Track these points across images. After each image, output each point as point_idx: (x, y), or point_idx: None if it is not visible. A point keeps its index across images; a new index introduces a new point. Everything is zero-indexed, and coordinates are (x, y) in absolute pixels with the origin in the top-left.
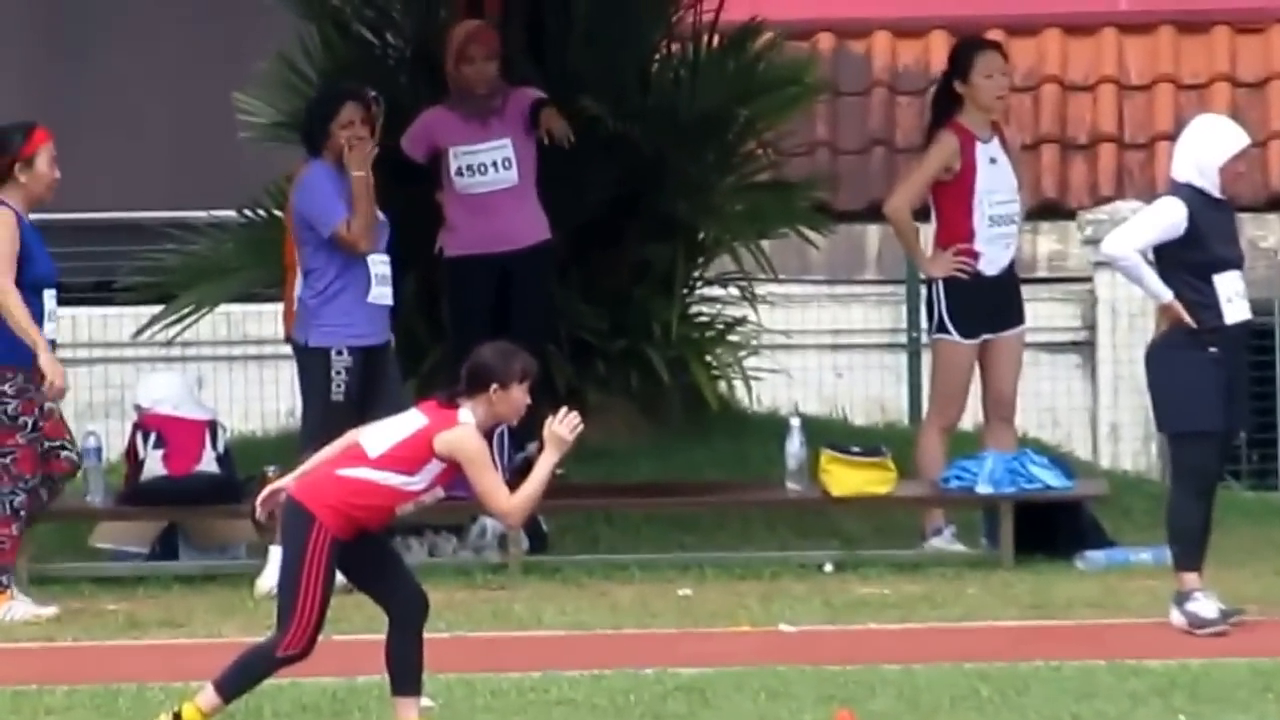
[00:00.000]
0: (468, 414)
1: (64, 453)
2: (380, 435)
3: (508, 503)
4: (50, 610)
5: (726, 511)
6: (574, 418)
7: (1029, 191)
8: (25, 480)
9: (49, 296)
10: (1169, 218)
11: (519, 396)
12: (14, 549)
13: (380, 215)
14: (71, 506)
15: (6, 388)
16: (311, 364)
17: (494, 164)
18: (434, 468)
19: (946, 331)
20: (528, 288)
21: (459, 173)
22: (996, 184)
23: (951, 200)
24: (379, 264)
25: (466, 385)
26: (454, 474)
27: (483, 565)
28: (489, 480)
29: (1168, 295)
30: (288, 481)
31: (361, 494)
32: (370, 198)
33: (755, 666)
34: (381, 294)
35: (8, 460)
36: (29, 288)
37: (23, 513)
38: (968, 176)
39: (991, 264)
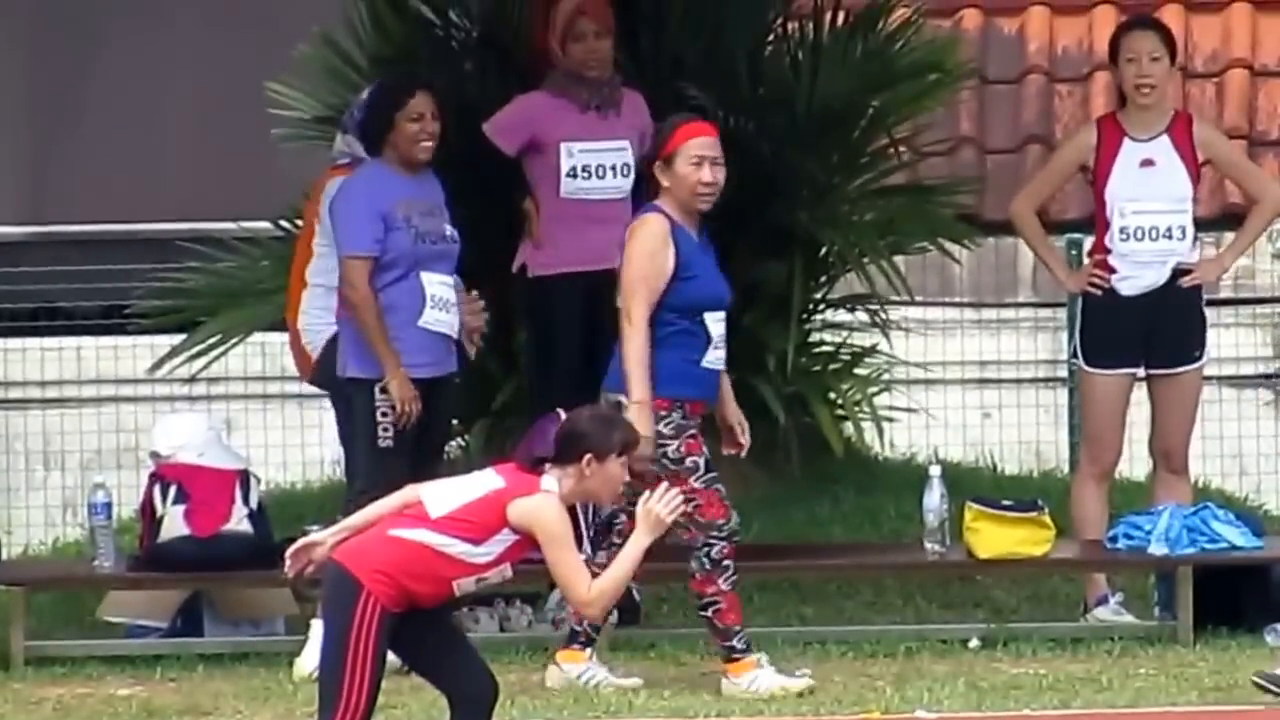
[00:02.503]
0: (552, 482)
1: None
2: (446, 493)
3: (588, 592)
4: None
5: (854, 577)
6: (674, 495)
7: (1205, 199)
8: (719, 527)
9: (713, 320)
10: None
11: (616, 471)
12: (732, 606)
13: (449, 229)
14: (76, 573)
15: (663, 427)
16: (354, 399)
17: (614, 168)
18: (504, 539)
19: (1076, 358)
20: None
21: (572, 173)
22: (1141, 190)
23: (1094, 206)
24: (436, 283)
25: (556, 452)
26: (526, 550)
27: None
28: (568, 562)
29: None
30: (329, 535)
31: (417, 561)
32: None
33: None
34: (437, 319)
35: (690, 508)
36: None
37: (726, 563)
38: (1099, 179)
39: (1128, 283)
